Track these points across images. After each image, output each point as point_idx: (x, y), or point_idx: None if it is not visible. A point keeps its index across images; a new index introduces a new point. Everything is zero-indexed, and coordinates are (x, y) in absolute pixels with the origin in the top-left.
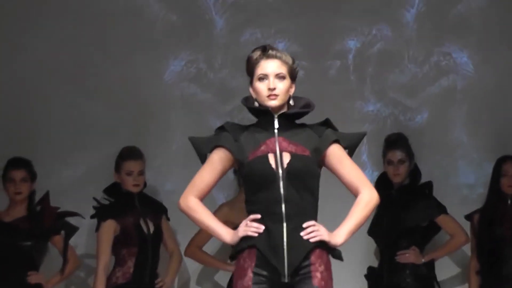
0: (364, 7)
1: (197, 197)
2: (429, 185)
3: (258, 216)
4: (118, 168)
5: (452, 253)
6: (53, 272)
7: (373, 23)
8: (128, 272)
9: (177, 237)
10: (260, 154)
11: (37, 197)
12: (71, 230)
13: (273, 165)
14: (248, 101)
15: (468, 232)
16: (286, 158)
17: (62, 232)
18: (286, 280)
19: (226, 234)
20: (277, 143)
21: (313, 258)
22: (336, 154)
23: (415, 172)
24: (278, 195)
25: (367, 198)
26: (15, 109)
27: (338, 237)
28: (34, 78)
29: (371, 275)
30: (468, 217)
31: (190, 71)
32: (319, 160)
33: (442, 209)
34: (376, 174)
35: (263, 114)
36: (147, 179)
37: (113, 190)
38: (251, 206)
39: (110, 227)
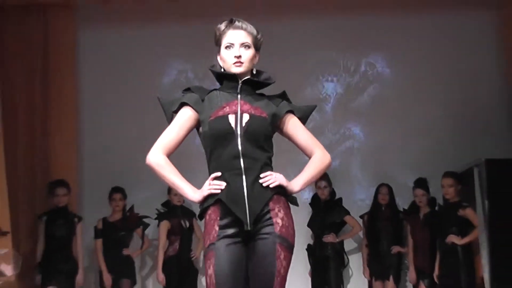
0: None
1: (165, 154)
2: (340, 200)
3: (219, 173)
4: (169, 191)
5: (353, 236)
6: (136, 250)
7: None
8: (175, 249)
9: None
10: (222, 114)
11: (127, 208)
12: (146, 226)
13: (233, 124)
14: (215, 68)
15: (362, 225)
16: (245, 118)
17: (141, 226)
18: (249, 228)
19: (192, 193)
20: (239, 105)
21: (271, 204)
22: (291, 122)
23: (333, 193)
24: (237, 150)
25: (321, 156)
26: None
27: (295, 185)
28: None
29: (309, 249)
30: (361, 216)
31: None
32: (275, 125)
33: (347, 212)
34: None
35: (229, 79)
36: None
37: (166, 204)
38: (213, 162)
39: (165, 225)
